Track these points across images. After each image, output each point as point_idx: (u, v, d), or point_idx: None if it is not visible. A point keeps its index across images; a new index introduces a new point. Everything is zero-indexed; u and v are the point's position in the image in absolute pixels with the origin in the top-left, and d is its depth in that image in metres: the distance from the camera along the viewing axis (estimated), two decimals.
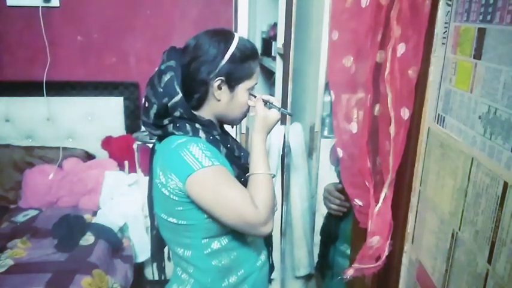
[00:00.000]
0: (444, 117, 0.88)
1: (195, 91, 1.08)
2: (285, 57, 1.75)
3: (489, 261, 0.72)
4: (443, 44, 0.88)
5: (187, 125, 1.07)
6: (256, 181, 1.08)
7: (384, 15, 0.98)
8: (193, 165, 1.00)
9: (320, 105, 1.78)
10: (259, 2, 2.47)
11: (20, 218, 2.26)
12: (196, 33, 1.11)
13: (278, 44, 2.10)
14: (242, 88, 1.10)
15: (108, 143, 2.59)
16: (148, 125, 1.12)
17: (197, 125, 1.08)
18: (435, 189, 0.92)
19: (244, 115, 1.16)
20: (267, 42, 2.45)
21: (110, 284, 1.90)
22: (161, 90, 1.06)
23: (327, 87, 1.70)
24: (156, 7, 2.56)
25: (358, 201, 1.16)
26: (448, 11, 0.86)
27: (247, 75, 1.10)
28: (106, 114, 2.63)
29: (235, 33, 1.11)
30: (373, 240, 1.07)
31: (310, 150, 1.86)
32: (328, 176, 1.97)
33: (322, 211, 2.10)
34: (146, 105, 1.09)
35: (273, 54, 2.28)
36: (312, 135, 1.82)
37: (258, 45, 2.61)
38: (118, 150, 2.53)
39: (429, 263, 0.95)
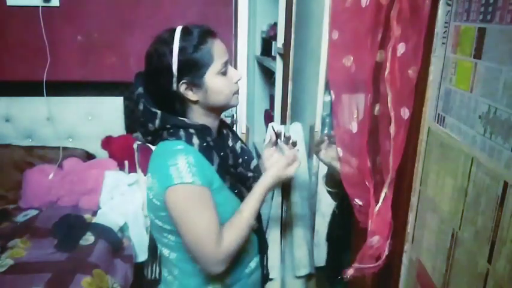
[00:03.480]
0: (444, 117, 0.88)
1: (171, 102, 1.06)
2: (285, 57, 1.75)
3: (489, 261, 0.72)
4: (443, 43, 0.88)
5: (181, 130, 1.04)
6: (237, 220, 1.04)
7: (383, 15, 0.98)
8: (175, 178, 0.97)
9: (320, 105, 1.78)
10: (259, 2, 2.47)
11: (20, 217, 2.26)
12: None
13: (278, 43, 2.10)
14: (210, 76, 1.03)
15: (108, 142, 2.60)
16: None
17: (191, 130, 1.05)
18: (435, 189, 0.92)
19: (232, 93, 1.09)
20: (267, 42, 2.45)
21: (110, 283, 1.90)
22: (142, 119, 1.06)
23: (327, 87, 1.70)
24: (156, 7, 2.56)
25: (358, 201, 1.16)
26: (448, 11, 0.86)
27: (207, 61, 1.02)
28: (106, 114, 2.63)
29: (176, 28, 1.04)
30: (373, 240, 1.07)
31: (310, 150, 1.86)
32: None
33: (322, 211, 2.10)
34: (141, 130, 1.11)
35: (273, 54, 2.29)
36: (312, 135, 1.82)
37: (258, 45, 2.61)
38: (118, 150, 2.53)
39: (429, 263, 0.95)
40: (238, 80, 1.08)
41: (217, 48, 1.04)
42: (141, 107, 1.05)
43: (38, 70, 2.47)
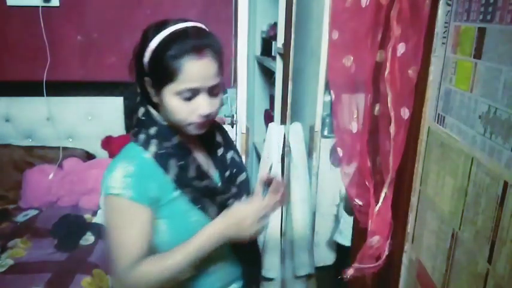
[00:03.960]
0: (444, 116, 0.88)
1: (142, 87, 0.96)
2: (285, 57, 1.75)
3: (489, 260, 0.72)
4: (443, 43, 0.88)
5: (142, 132, 0.95)
6: (165, 259, 0.90)
7: (384, 15, 0.98)
8: (106, 187, 0.90)
9: (320, 105, 1.78)
10: (259, 2, 2.47)
11: (20, 217, 2.26)
12: None
13: (278, 43, 2.10)
14: (167, 92, 0.90)
15: (108, 142, 2.59)
16: None
17: (151, 132, 0.95)
18: (435, 189, 0.92)
19: (188, 122, 0.93)
20: (267, 42, 2.45)
21: (110, 283, 1.90)
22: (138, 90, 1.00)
23: (327, 87, 1.70)
24: (156, 7, 2.55)
25: (358, 201, 1.16)
26: (448, 11, 0.86)
27: (168, 75, 0.88)
28: (106, 114, 2.63)
29: (178, 23, 0.92)
30: (373, 240, 1.07)
31: (310, 150, 1.86)
32: (328, 176, 1.97)
33: (322, 211, 2.11)
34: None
35: (273, 54, 2.28)
36: (312, 135, 1.82)
37: (258, 45, 2.61)
38: (118, 150, 2.52)
39: (429, 263, 0.95)
40: (204, 114, 0.92)
41: (194, 69, 0.88)
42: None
43: (38, 70, 2.47)
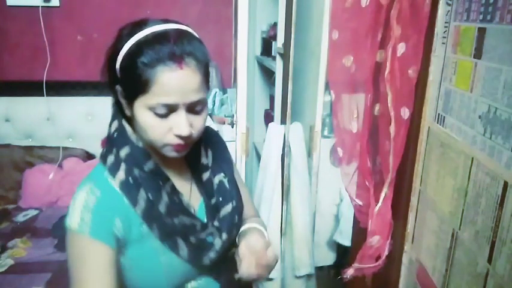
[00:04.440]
0: (444, 116, 0.88)
1: (116, 96, 0.83)
2: (285, 56, 1.75)
3: (489, 260, 0.72)
4: (443, 43, 0.88)
5: (112, 153, 0.82)
6: None
7: (384, 14, 0.98)
8: (67, 217, 0.79)
9: (320, 105, 1.78)
10: (259, 2, 2.47)
11: (20, 217, 2.26)
12: None
13: (278, 43, 2.10)
14: (138, 105, 0.77)
15: None
16: None
17: (122, 154, 0.81)
18: (435, 189, 0.92)
19: (163, 142, 0.79)
20: (267, 42, 2.45)
21: None
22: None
23: (327, 86, 1.70)
24: (156, 7, 2.56)
25: (358, 201, 1.16)
26: (448, 11, 0.86)
27: (141, 87, 0.75)
28: (106, 114, 2.62)
29: (157, 24, 0.78)
30: (373, 240, 1.07)
31: (310, 150, 1.86)
32: (328, 176, 1.97)
33: (322, 211, 2.11)
34: None
35: (273, 54, 2.28)
36: (312, 135, 1.82)
37: (258, 45, 2.61)
38: None
39: (429, 263, 0.95)
40: (180, 135, 0.78)
41: (170, 81, 0.74)
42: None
43: (38, 70, 2.47)
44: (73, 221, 0.77)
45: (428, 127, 0.95)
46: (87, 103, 2.61)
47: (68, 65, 2.60)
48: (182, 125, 0.77)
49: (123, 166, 0.81)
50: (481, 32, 0.74)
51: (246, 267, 0.81)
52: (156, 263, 0.83)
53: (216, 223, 0.89)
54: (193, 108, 0.78)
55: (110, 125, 0.85)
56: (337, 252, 2.28)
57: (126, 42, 0.77)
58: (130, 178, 0.80)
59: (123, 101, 0.81)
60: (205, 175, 0.93)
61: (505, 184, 0.68)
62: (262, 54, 2.58)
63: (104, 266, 0.77)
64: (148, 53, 0.74)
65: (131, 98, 0.78)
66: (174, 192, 0.85)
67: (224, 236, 0.88)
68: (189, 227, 0.84)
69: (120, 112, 0.84)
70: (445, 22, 0.87)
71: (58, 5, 2.50)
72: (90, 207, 0.77)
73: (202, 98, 0.79)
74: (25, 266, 1.84)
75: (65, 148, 2.52)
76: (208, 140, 0.96)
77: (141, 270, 0.83)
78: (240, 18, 1.67)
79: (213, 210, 0.90)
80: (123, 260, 0.82)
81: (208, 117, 1.80)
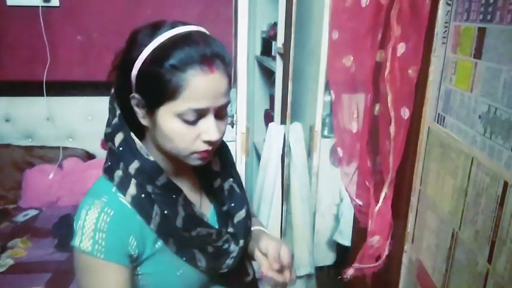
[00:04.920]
0: (444, 116, 0.88)
1: (123, 105, 0.77)
2: (285, 56, 1.75)
3: (489, 260, 0.72)
4: (443, 43, 0.88)
5: (119, 168, 0.76)
6: None
7: (384, 14, 0.98)
8: (76, 237, 0.72)
9: (320, 105, 1.78)
10: (259, 2, 2.47)
11: (20, 217, 2.26)
12: None
13: (278, 43, 2.10)
14: (164, 112, 0.71)
15: None
16: None
17: (132, 170, 0.75)
18: (435, 189, 0.92)
19: (190, 151, 0.75)
20: (267, 42, 2.45)
21: None
22: (109, 106, 0.81)
23: (327, 86, 1.70)
24: (156, 7, 2.55)
25: (358, 201, 1.16)
26: (448, 11, 0.86)
27: (169, 93, 0.69)
28: (106, 114, 2.62)
29: (177, 26, 0.73)
30: (373, 240, 1.07)
31: (310, 150, 1.86)
32: (328, 176, 1.97)
33: (322, 211, 2.11)
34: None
35: (273, 54, 2.28)
36: (312, 135, 1.82)
37: (258, 45, 2.61)
38: None
39: (429, 263, 0.95)
40: (210, 141, 0.74)
41: (202, 85, 0.70)
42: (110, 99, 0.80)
43: (38, 70, 2.47)
44: (85, 243, 0.71)
45: (428, 127, 0.95)
46: (87, 103, 2.61)
47: (68, 65, 2.60)
48: (212, 130, 0.73)
49: (133, 181, 0.75)
50: (481, 32, 0.74)
51: (266, 270, 0.78)
52: (173, 277, 0.80)
53: (230, 229, 0.86)
54: (220, 113, 0.75)
55: (113, 138, 0.77)
56: (337, 252, 2.28)
57: (145, 46, 0.70)
58: (142, 194, 0.75)
59: (139, 111, 0.75)
60: (217, 182, 0.89)
61: (505, 184, 0.68)
62: (262, 54, 2.58)
63: (120, 286, 0.74)
64: (177, 56, 0.68)
65: (153, 106, 0.72)
66: (187, 204, 0.81)
67: (241, 242, 0.85)
68: (205, 237, 0.81)
69: (127, 123, 0.77)
70: (445, 22, 0.87)
71: (58, 5, 2.50)
72: (104, 229, 0.72)
73: (228, 101, 0.76)
74: (25, 266, 1.84)
75: (65, 148, 2.52)
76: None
77: (157, 285, 0.80)
78: (240, 18, 1.67)
79: (225, 217, 0.87)
80: (138, 276, 0.79)
81: None
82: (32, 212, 2.31)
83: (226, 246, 0.84)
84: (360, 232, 1.18)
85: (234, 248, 0.84)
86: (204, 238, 0.81)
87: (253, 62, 2.61)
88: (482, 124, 0.74)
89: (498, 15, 0.69)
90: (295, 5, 1.64)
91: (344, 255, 2.13)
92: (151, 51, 0.70)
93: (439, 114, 0.90)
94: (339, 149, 1.16)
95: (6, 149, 2.49)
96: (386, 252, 1.08)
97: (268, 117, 2.53)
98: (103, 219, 0.72)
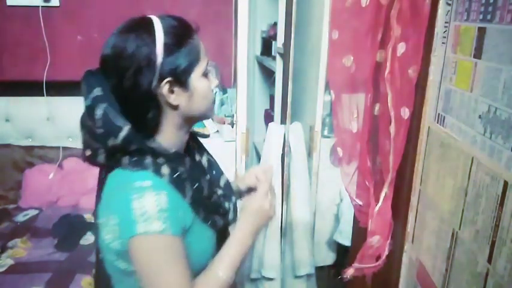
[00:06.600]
0: (444, 116, 0.88)
1: (144, 112, 0.84)
2: (285, 56, 1.75)
3: (489, 260, 0.72)
4: (443, 43, 0.88)
5: (147, 157, 0.84)
6: (211, 280, 0.87)
7: (384, 14, 0.98)
8: (141, 226, 0.78)
9: (320, 105, 1.78)
10: (259, 2, 2.47)
11: (20, 217, 2.26)
12: (107, 39, 0.88)
13: (278, 43, 2.11)
14: (196, 76, 0.85)
15: None
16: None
17: (160, 159, 0.85)
18: (435, 189, 0.92)
19: (213, 101, 0.93)
20: (267, 41, 2.45)
21: None
22: (101, 131, 0.81)
23: (327, 86, 1.70)
24: (156, 7, 2.55)
25: (358, 201, 1.16)
26: (448, 10, 0.86)
27: (194, 58, 0.85)
28: None
29: (151, 17, 0.88)
30: (373, 240, 1.07)
31: (310, 150, 1.86)
32: (328, 176, 1.97)
33: (322, 211, 2.11)
34: (88, 153, 0.85)
35: (273, 54, 2.28)
36: (312, 135, 1.82)
37: (258, 45, 2.61)
38: None
39: (429, 263, 0.95)
40: (216, 86, 0.92)
41: (201, 45, 0.87)
42: (98, 113, 0.81)
43: (38, 70, 2.47)
44: (153, 225, 0.78)
45: (428, 127, 0.95)
46: None
47: (68, 65, 2.60)
48: (213, 78, 0.90)
49: (165, 166, 0.84)
50: (481, 31, 0.74)
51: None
52: (203, 243, 0.91)
53: (220, 192, 0.99)
54: None
55: (128, 142, 0.82)
56: (337, 252, 2.28)
57: (153, 42, 0.82)
58: (175, 174, 0.85)
59: (172, 95, 0.84)
60: (197, 157, 1.01)
61: (505, 184, 0.68)
62: (262, 54, 2.58)
63: (185, 257, 0.83)
64: (184, 27, 0.87)
65: (187, 76, 0.84)
66: (205, 174, 0.96)
67: (233, 198, 1.01)
68: (218, 203, 0.95)
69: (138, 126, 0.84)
70: (445, 22, 0.87)
71: (58, 5, 2.50)
72: (165, 208, 0.80)
73: None
74: (25, 266, 1.84)
75: (65, 148, 2.52)
76: None
77: (194, 253, 0.88)
78: (240, 18, 1.67)
79: (212, 185, 0.97)
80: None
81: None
82: (32, 212, 2.31)
83: (225, 205, 0.97)
84: (360, 232, 1.18)
85: (229, 205, 0.99)
86: (218, 203, 0.95)
87: (253, 62, 2.61)
88: (482, 124, 0.74)
89: (498, 15, 0.69)
90: (295, 5, 1.64)
91: (344, 255, 2.13)
92: (164, 32, 0.83)
93: (439, 114, 0.90)
94: (339, 149, 1.16)
95: (6, 149, 2.49)
96: (386, 252, 1.08)
97: (268, 117, 2.53)
98: (161, 200, 0.80)
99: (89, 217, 2.25)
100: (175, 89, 0.84)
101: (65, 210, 2.28)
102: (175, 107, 0.85)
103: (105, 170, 0.89)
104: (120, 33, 0.86)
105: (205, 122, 2.43)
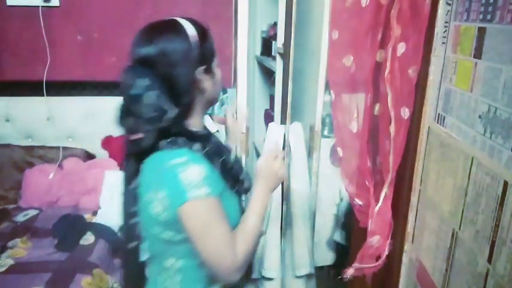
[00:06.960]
0: (444, 116, 0.88)
1: (184, 99, 0.98)
2: (285, 56, 1.74)
3: (489, 260, 0.72)
4: (443, 43, 0.88)
5: (179, 139, 0.97)
6: (248, 229, 1.02)
7: (384, 14, 0.98)
8: (191, 192, 0.91)
9: (320, 105, 1.78)
10: (259, 2, 2.47)
11: (20, 217, 2.26)
12: (135, 38, 1.00)
13: (278, 43, 2.10)
14: (215, 64, 1.05)
15: (108, 142, 2.59)
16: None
17: (191, 139, 1.00)
18: (435, 189, 0.92)
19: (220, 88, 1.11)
20: (267, 41, 2.45)
21: (110, 283, 1.90)
22: (153, 114, 0.93)
23: (327, 86, 1.70)
24: (156, 7, 2.56)
25: (358, 201, 1.16)
26: (448, 10, 0.86)
27: (214, 48, 1.04)
28: (106, 114, 2.62)
29: (175, 18, 1.02)
30: (373, 240, 1.07)
31: (310, 150, 1.86)
32: (328, 176, 1.97)
33: (322, 211, 2.10)
34: (134, 138, 0.97)
35: (273, 54, 2.28)
36: (312, 135, 1.82)
37: (258, 45, 2.61)
38: (118, 150, 2.53)
39: (429, 263, 0.95)
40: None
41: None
42: (150, 99, 0.93)
43: (38, 70, 2.47)
44: (202, 190, 0.92)
45: (428, 127, 0.95)
46: (87, 103, 2.61)
47: (68, 65, 2.60)
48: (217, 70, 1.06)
49: (196, 144, 0.99)
50: (481, 31, 0.74)
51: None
52: (233, 207, 1.05)
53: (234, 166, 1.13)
54: None
55: (172, 124, 0.95)
56: (337, 252, 2.28)
57: (188, 33, 0.97)
58: (204, 150, 0.99)
59: (206, 76, 1.00)
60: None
61: (505, 184, 0.68)
62: (262, 54, 2.58)
63: (225, 215, 0.98)
64: (205, 29, 1.02)
65: (212, 63, 1.02)
66: (230, 152, 1.14)
67: (244, 170, 1.16)
68: (238, 172, 1.10)
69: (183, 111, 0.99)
70: (445, 22, 0.87)
71: (58, 5, 2.50)
72: (208, 174, 0.94)
73: None
74: (25, 266, 1.84)
75: (65, 148, 2.52)
76: None
77: (226, 216, 1.00)
78: (240, 18, 1.67)
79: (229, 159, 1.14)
80: None
81: (209, 117, 1.81)
82: (32, 212, 2.31)
83: (241, 176, 1.12)
84: (360, 232, 1.18)
85: (243, 176, 1.13)
86: (238, 172, 1.10)
87: (253, 62, 2.61)
88: (482, 124, 0.74)
89: (498, 15, 0.69)
90: (295, 5, 1.64)
91: (344, 255, 2.13)
92: (194, 30, 0.98)
93: (439, 114, 0.90)
94: (339, 149, 1.16)
95: (6, 149, 2.49)
96: (386, 252, 1.08)
97: (268, 117, 2.53)
98: (202, 170, 0.93)
99: (88, 217, 2.25)
100: (205, 75, 1.00)
101: (64, 210, 2.28)
102: (204, 91, 1.01)
103: (138, 159, 1.01)
104: (156, 32, 0.98)
105: (205, 122, 2.43)
